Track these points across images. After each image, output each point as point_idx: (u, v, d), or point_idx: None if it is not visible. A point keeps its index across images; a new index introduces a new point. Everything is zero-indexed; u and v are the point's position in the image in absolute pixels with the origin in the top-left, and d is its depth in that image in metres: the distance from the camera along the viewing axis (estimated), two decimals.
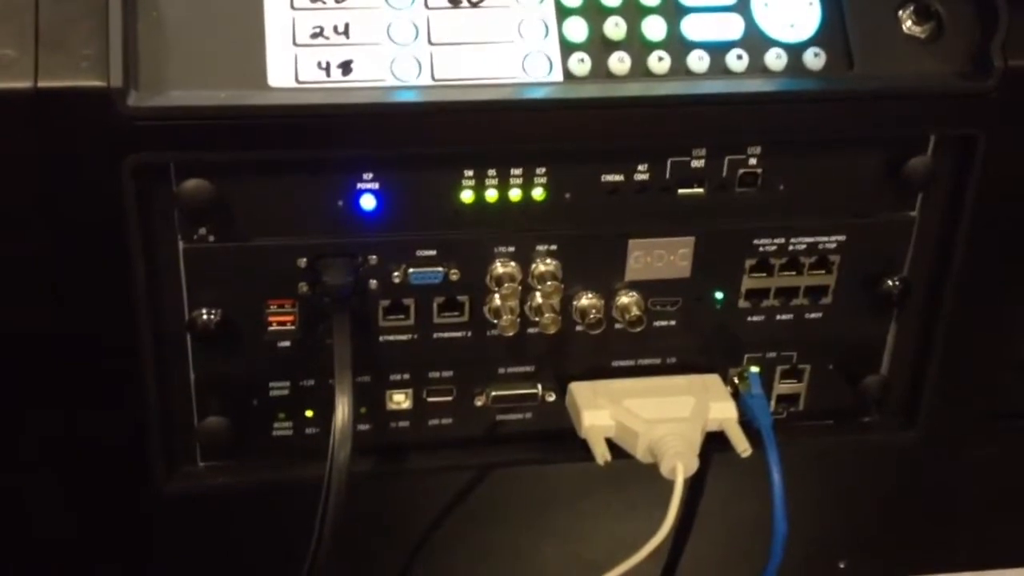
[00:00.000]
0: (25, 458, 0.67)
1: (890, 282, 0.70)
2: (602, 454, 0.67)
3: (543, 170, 0.64)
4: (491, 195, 0.64)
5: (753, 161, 0.66)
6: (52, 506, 0.69)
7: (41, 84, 0.56)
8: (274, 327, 0.66)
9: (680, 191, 0.66)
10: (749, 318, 0.70)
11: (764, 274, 0.69)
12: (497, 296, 0.66)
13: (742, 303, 0.70)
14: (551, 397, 0.70)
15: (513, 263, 0.66)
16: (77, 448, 0.67)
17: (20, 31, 0.57)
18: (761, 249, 0.68)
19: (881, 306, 0.71)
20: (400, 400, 0.69)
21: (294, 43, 0.61)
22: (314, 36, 0.61)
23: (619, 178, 0.65)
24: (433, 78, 0.61)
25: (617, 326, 0.68)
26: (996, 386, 0.75)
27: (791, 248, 0.68)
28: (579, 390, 0.69)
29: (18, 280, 0.61)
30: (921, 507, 0.81)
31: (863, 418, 0.75)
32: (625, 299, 0.68)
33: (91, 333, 0.63)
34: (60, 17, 0.58)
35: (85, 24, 0.58)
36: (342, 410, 0.61)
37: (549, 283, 0.66)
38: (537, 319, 0.67)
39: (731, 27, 0.64)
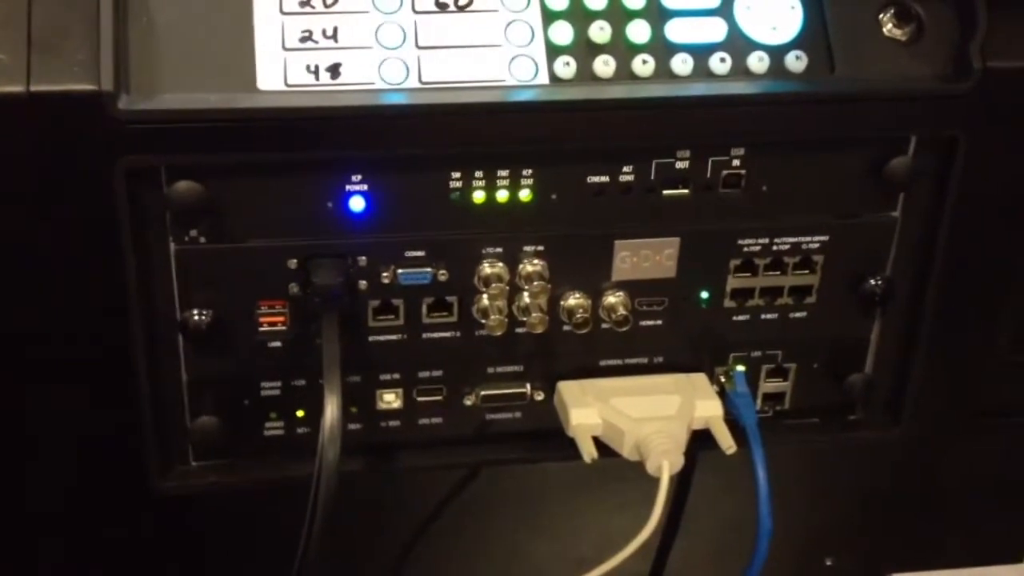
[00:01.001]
0: (18, 459, 0.68)
1: (873, 281, 0.71)
2: (589, 452, 0.67)
3: (529, 172, 0.65)
4: (478, 196, 0.65)
5: (737, 162, 0.67)
6: (45, 506, 0.70)
7: (34, 88, 0.57)
8: (265, 328, 0.66)
9: (665, 192, 0.67)
10: (734, 317, 0.71)
11: (749, 274, 0.70)
12: (485, 296, 0.67)
13: (727, 303, 0.70)
14: (539, 396, 0.71)
15: (501, 264, 0.67)
16: (70, 448, 0.67)
17: (13, 36, 0.58)
18: (745, 249, 0.69)
19: (865, 305, 0.72)
20: (390, 400, 0.70)
21: (283, 47, 0.62)
22: (303, 40, 0.62)
23: (605, 179, 0.66)
24: (420, 81, 0.62)
25: (604, 326, 0.69)
26: (979, 383, 0.76)
27: (775, 248, 0.69)
28: (567, 389, 0.70)
29: (10, 281, 0.62)
30: (907, 504, 0.82)
31: (848, 416, 0.75)
32: (612, 299, 0.69)
33: (83, 334, 0.64)
34: (52, 22, 0.58)
35: (77, 29, 0.58)
36: (331, 409, 0.62)
37: (536, 283, 0.66)
38: (525, 319, 0.68)
39: (714, 30, 0.65)
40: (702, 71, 0.64)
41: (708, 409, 0.69)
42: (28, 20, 0.58)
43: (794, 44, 0.65)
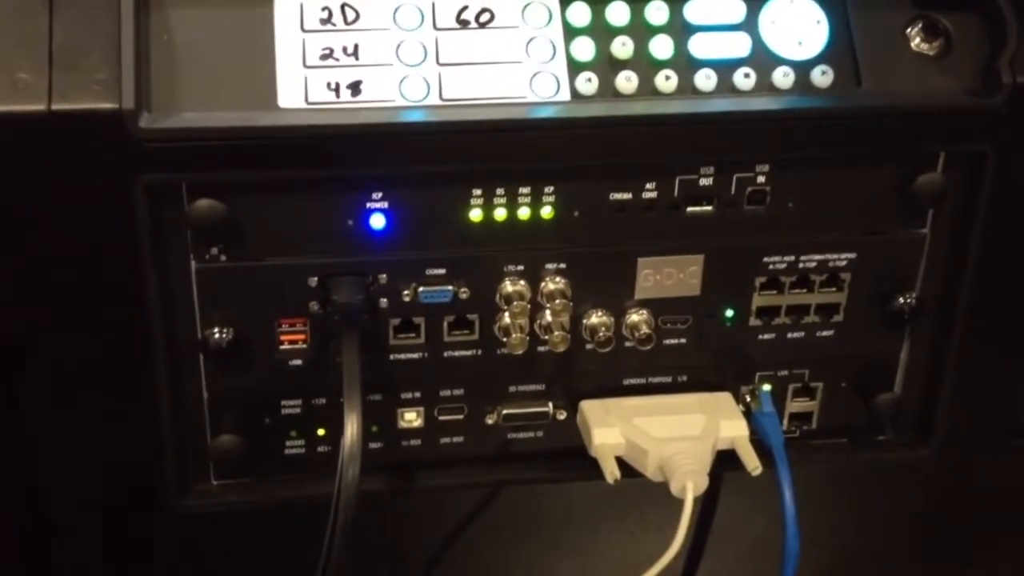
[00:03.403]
0: (40, 476, 0.68)
1: (902, 299, 0.69)
2: (612, 472, 0.66)
3: (551, 189, 0.64)
4: (500, 214, 0.65)
5: (762, 179, 0.66)
6: (65, 523, 0.70)
7: (55, 106, 0.57)
8: (286, 346, 0.66)
9: (689, 209, 0.66)
10: (760, 336, 0.70)
11: (774, 292, 0.69)
12: (507, 314, 0.66)
13: (753, 321, 0.70)
14: (562, 415, 0.70)
15: (522, 281, 0.66)
16: (90, 466, 0.67)
17: (34, 54, 0.58)
18: (771, 267, 0.68)
19: (894, 323, 0.71)
20: (411, 418, 0.70)
21: (304, 64, 0.61)
22: (324, 57, 0.62)
23: (627, 196, 0.65)
24: (442, 98, 0.62)
25: (627, 344, 0.68)
26: (1010, 402, 0.75)
27: (801, 266, 0.68)
28: (590, 408, 0.69)
29: (30, 299, 0.62)
30: (936, 525, 0.81)
31: (876, 436, 0.74)
32: (635, 317, 0.68)
33: (104, 352, 0.64)
34: (73, 41, 0.59)
35: (98, 47, 0.58)
36: (351, 428, 0.61)
37: (558, 301, 0.66)
38: (547, 337, 0.67)
39: (738, 45, 0.64)
40: (726, 87, 0.64)
41: (733, 429, 0.68)
42: (49, 39, 0.58)
43: (820, 59, 0.64)
